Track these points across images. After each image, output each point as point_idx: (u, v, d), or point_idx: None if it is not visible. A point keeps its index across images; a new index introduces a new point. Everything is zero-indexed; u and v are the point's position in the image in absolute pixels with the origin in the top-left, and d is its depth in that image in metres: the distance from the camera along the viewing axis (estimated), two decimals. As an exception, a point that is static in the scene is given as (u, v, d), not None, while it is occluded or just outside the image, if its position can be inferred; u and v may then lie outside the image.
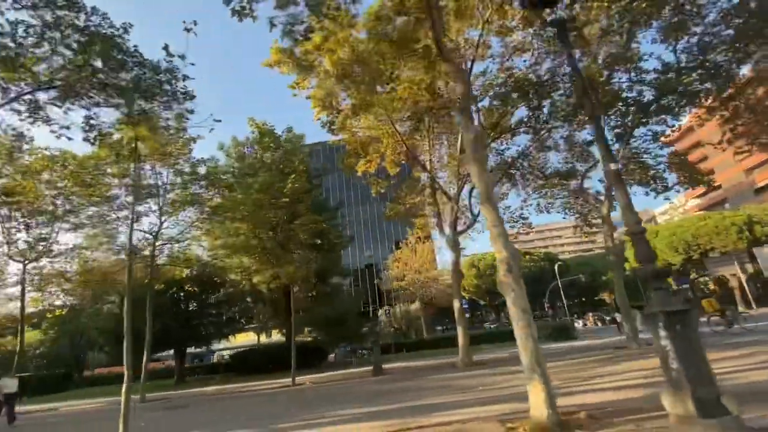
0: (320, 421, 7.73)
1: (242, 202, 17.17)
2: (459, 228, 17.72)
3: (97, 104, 11.10)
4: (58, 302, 21.28)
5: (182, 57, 8.46)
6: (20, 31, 9.81)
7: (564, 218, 23.75)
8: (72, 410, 16.27)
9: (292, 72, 14.48)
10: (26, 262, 17.00)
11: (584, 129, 19.27)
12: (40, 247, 17.06)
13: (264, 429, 7.56)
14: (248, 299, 26.90)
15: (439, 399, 8.81)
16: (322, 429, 6.82)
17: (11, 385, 11.29)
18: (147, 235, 17.05)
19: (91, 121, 12.50)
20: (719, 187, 53.02)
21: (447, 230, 16.42)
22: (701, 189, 43.23)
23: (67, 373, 29.98)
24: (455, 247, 15.80)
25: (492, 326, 52.35)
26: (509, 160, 17.86)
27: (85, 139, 13.11)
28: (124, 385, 5.82)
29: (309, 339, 30.38)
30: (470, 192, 17.06)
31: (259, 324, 30.83)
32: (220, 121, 8.78)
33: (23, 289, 16.99)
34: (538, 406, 5.67)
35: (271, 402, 12.06)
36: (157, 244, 17.09)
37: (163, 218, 17.00)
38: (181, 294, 25.11)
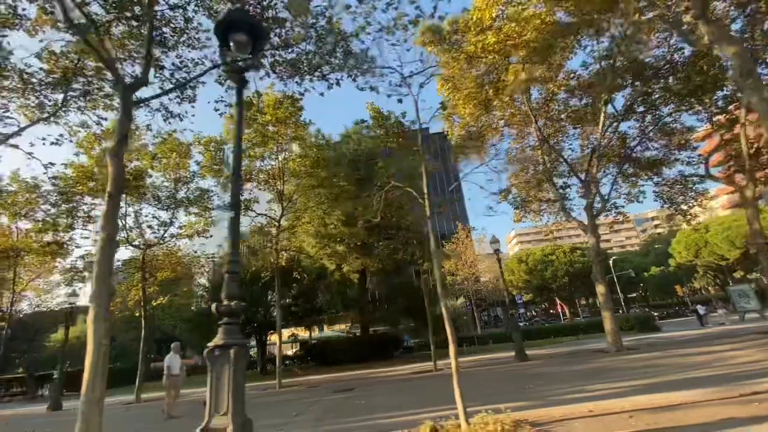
0: (588, 394, 7.51)
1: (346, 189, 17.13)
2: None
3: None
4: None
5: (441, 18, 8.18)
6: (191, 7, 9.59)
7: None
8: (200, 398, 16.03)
9: (439, 53, 14.30)
10: (145, 248, 16.86)
11: (696, 114, 19.14)
12: (161, 233, 16.92)
13: (543, 401, 7.33)
14: (326, 289, 26.80)
15: (699, 373, 8.56)
16: (618, 400, 6.49)
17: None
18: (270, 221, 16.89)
19: (253, 100, 12.29)
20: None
21: (583, 214, 16.19)
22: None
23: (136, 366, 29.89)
24: (593, 230, 15.53)
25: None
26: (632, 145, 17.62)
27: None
28: (451, 348, 5.74)
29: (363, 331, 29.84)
30: (595, 173, 16.77)
31: (329, 316, 30.70)
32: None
33: (143, 276, 16.83)
34: None
35: (448, 384, 11.46)
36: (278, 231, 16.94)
37: (284, 204, 16.84)
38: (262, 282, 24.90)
